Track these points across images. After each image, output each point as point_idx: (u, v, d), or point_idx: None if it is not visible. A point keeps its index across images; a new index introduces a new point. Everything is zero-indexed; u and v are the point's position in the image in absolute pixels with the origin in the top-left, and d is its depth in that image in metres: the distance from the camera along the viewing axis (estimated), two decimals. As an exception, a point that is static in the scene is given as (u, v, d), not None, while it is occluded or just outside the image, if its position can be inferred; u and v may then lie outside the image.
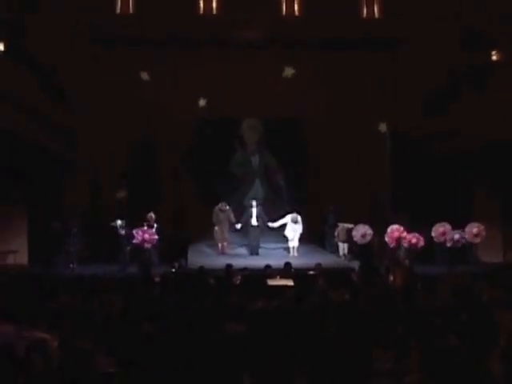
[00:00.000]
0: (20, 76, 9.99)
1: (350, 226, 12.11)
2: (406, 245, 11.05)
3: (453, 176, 11.89)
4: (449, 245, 11.19)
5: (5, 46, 9.66)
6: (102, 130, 12.38)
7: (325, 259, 11.11)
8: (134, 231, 10.96)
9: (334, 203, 12.68)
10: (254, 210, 12.78)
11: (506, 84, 10.11)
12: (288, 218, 12.62)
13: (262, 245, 12.83)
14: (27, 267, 11.06)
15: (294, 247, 12.60)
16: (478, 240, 11.35)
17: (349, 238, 12.10)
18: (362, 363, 3.72)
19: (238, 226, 12.73)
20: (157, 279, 7.79)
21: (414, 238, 10.98)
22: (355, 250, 12.06)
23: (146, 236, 10.96)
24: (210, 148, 13.45)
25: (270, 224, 12.74)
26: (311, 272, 8.79)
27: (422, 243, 11.05)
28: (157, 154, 13.33)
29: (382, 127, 12.40)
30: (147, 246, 10.98)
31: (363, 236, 11.75)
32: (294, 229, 12.59)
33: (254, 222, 12.76)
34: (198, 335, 4.31)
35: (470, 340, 4.16)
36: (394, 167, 13.30)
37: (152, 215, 11.45)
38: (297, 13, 11.55)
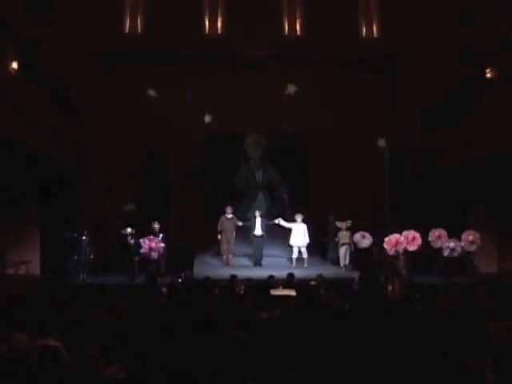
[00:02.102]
0: (33, 92, 10.31)
1: (349, 222, 12.41)
2: (402, 248, 11.32)
3: (449, 188, 12.05)
4: (446, 254, 11.38)
5: (18, 64, 9.97)
6: (113, 144, 12.72)
7: (326, 270, 11.28)
8: (141, 240, 11.21)
9: (332, 213, 12.89)
10: (258, 221, 13.00)
11: (502, 100, 10.34)
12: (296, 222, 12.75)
13: (265, 256, 12.99)
14: (39, 277, 11.34)
15: (294, 258, 12.69)
16: (473, 247, 11.48)
17: (349, 240, 12.37)
18: (361, 370, 3.84)
19: (240, 223, 12.88)
20: (164, 289, 8.09)
21: (410, 234, 11.27)
22: (356, 257, 12.32)
23: (153, 244, 11.17)
24: (216, 162, 13.77)
25: (277, 220, 12.89)
26: (313, 282, 9.05)
27: (419, 241, 11.28)
28: (166, 167, 13.63)
29: (381, 142, 12.65)
30: (154, 255, 11.19)
31: (363, 236, 12.07)
32: (297, 233, 12.68)
33: (257, 232, 12.92)
34: (204, 343, 4.46)
35: (465, 348, 4.36)
36: (393, 180, 13.58)
37: (156, 225, 11.73)
38: (298, 32, 11.90)
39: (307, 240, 12.73)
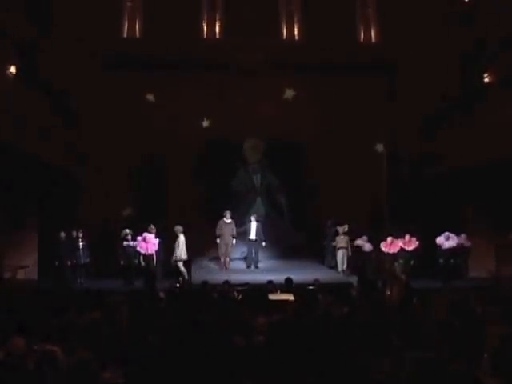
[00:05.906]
0: (32, 97, 10.30)
1: (346, 227, 12.47)
2: (399, 247, 11.59)
3: (448, 193, 12.11)
4: (444, 245, 11.66)
5: (17, 70, 9.97)
6: (111, 148, 12.72)
7: (324, 274, 11.30)
8: (138, 237, 11.27)
9: (331, 218, 12.92)
10: (254, 225, 13.03)
11: (502, 104, 10.37)
12: None
13: (261, 259, 13.04)
14: (37, 282, 11.32)
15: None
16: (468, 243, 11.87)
17: (347, 245, 12.44)
18: (360, 374, 3.81)
19: (234, 241, 12.86)
20: (162, 294, 8.07)
21: (406, 238, 11.70)
22: (353, 262, 12.34)
23: (148, 239, 11.22)
24: (214, 166, 13.78)
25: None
26: (311, 287, 9.04)
27: (416, 242, 11.63)
28: (164, 171, 13.63)
29: (379, 147, 12.68)
30: (151, 249, 11.22)
31: (366, 241, 12.18)
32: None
33: (252, 236, 12.96)
34: (202, 348, 4.41)
35: (463, 352, 4.37)
36: (392, 185, 13.59)
37: (152, 227, 11.68)
38: (296, 37, 11.99)
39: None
